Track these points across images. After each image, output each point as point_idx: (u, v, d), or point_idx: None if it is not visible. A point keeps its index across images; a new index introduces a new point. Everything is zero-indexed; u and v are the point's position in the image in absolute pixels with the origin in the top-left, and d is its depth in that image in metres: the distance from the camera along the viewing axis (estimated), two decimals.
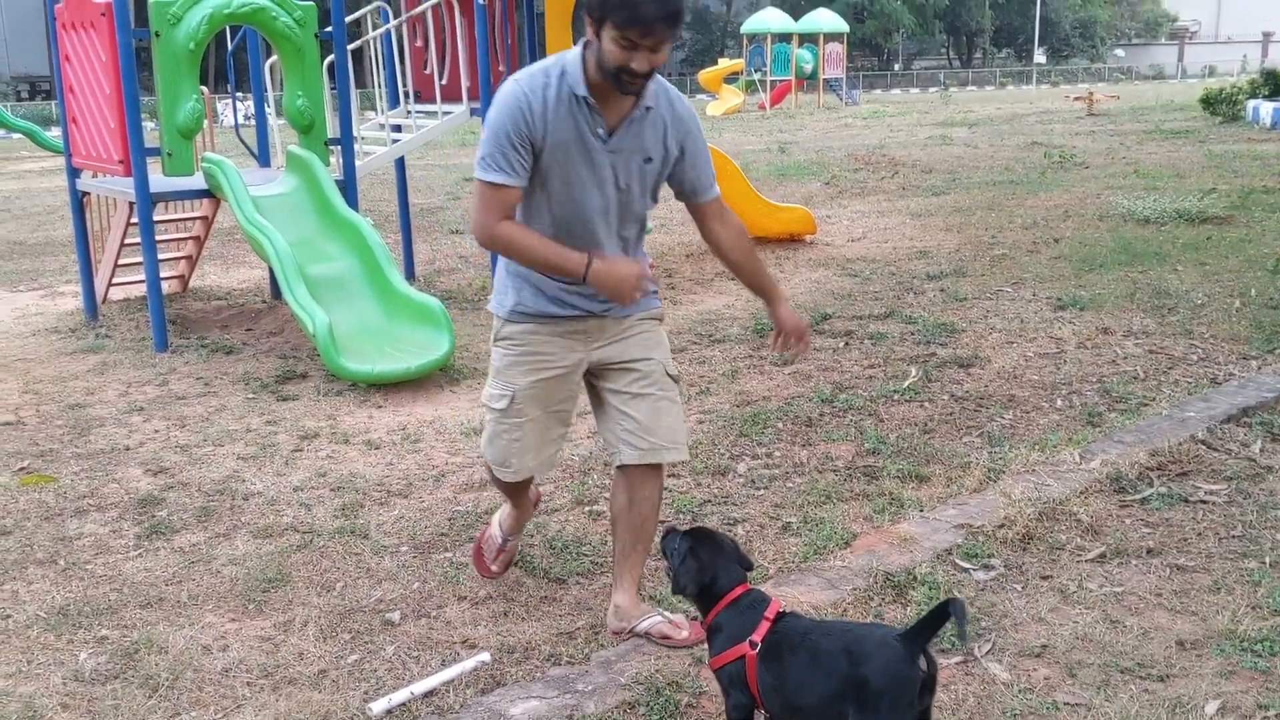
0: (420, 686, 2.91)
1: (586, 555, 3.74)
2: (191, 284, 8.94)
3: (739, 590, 2.60)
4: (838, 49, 40.32)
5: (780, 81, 38.60)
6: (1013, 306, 7.06)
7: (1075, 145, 18.27)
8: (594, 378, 3.09)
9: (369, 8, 8.84)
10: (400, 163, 9.42)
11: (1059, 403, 5.13)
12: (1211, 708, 2.71)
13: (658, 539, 2.90)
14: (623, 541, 3.14)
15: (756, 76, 39.32)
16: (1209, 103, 23.52)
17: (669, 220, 11.86)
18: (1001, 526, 3.70)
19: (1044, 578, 3.44)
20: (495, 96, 2.74)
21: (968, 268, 8.41)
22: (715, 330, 6.82)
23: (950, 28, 73.87)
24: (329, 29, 7.61)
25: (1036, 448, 4.48)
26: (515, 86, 2.72)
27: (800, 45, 38.67)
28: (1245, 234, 9.15)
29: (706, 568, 2.62)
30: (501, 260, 2.96)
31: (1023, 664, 2.96)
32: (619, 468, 3.08)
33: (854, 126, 26.99)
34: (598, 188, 2.82)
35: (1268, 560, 3.47)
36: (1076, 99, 31.22)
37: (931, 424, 4.91)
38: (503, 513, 3.50)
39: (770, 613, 2.51)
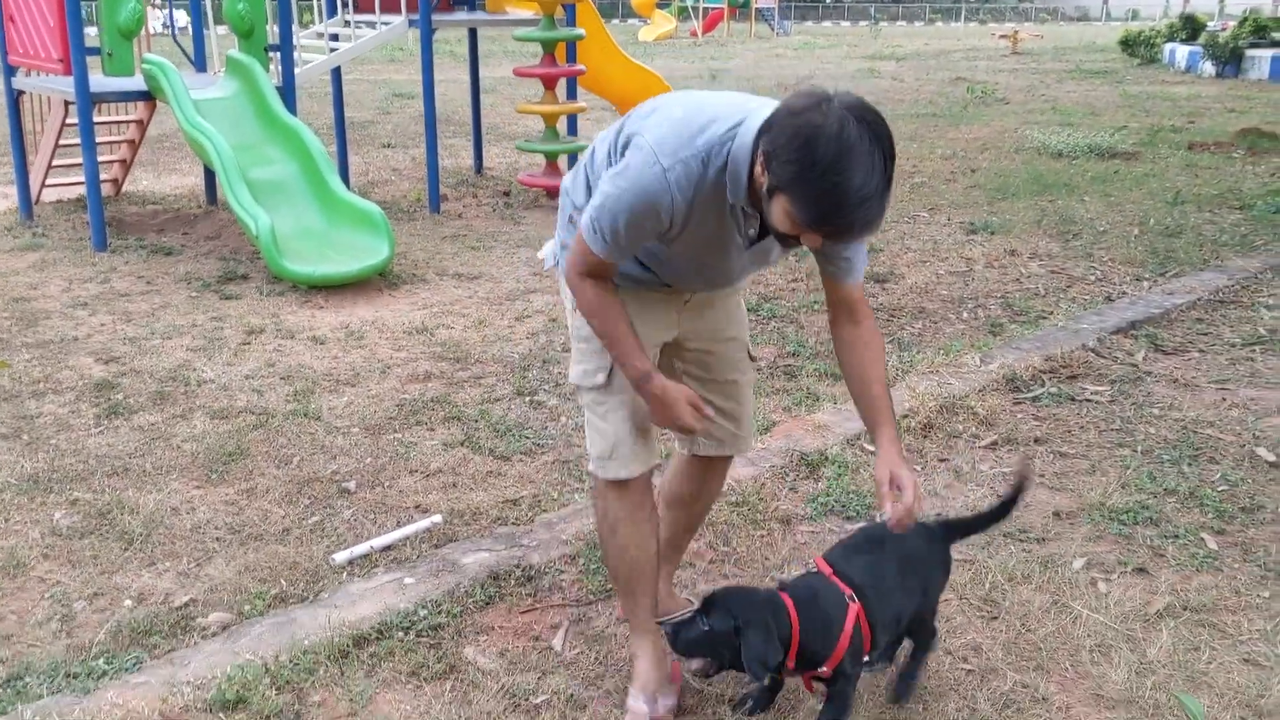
0: (379, 541, 3.20)
1: (529, 437, 4.03)
2: (125, 189, 8.95)
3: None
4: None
5: (713, 9, 38.53)
6: (928, 230, 7.44)
7: (998, 82, 18.72)
8: (671, 353, 2.59)
9: None
10: (337, 74, 9.47)
11: (965, 315, 5.53)
12: (1079, 563, 3.11)
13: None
14: (673, 530, 2.78)
15: (689, 3, 39.19)
16: (1128, 44, 24.13)
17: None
18: (906, 416, 4.07)
19: (941, 460, 3.82)
20: (633, 174, 2.09)
21: None
22: None
23: None
24: None
25: (942, 352, 4.86)
26: (662, 176, 2.07)
27: None
28: (1150, 169, 9.62)
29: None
30: (573, 202, 2.45)
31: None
32: (690, 457, 2.70)
33: (785, 57, 27.17)
34: (728, 263, 2.35)
35: (1139, 449, 3.88)
36: (1002, 37, 31.72)
37: None
38: (636, 671, 2.52)
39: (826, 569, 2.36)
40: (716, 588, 2.41)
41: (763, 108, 2.08)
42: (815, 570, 2.37)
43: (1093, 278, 6.16)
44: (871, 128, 1.89)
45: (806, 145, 1.88)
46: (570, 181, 2.45)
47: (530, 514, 3.42)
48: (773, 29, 39.89)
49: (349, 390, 4.53)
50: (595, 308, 2.29)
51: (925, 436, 3.99)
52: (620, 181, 2.11)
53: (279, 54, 7.70)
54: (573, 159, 9.19)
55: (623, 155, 2.16)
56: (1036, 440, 3.99)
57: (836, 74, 21.18)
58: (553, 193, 8.61)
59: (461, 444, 3.96)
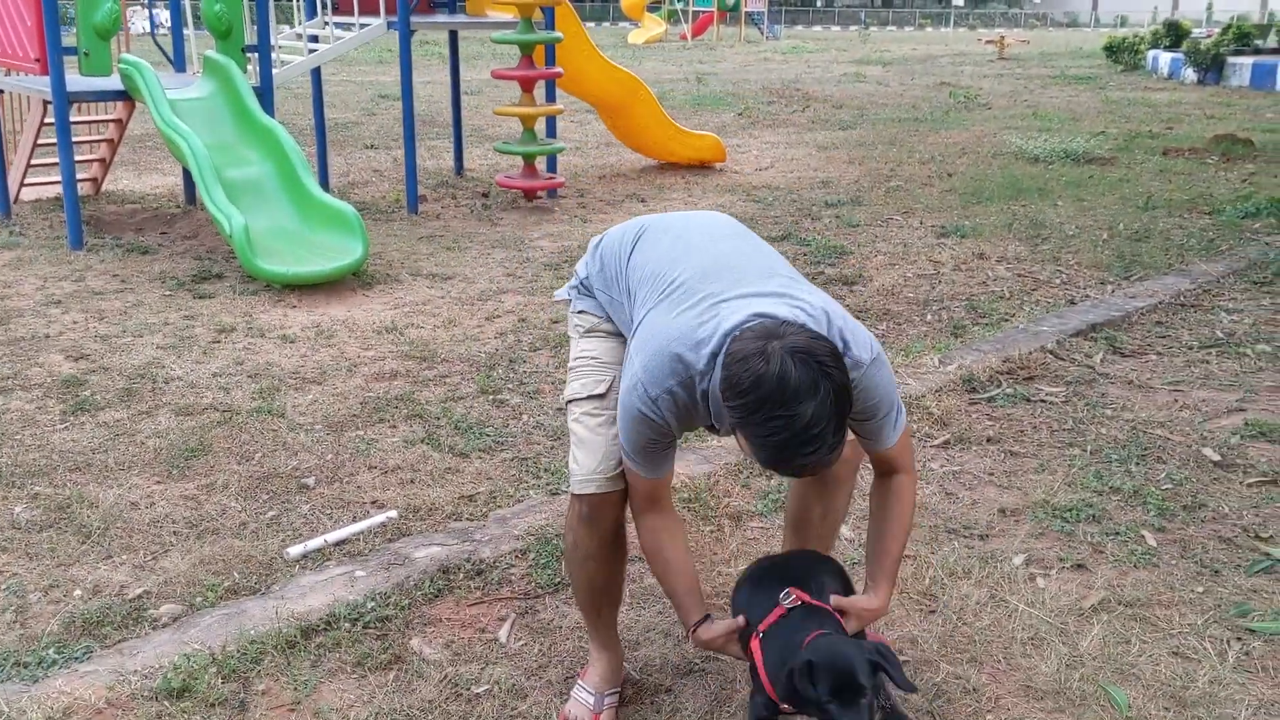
0: (334, 536, 3.25)
1: (489, 435, 4.08)
2: (104, 188, 8.99)
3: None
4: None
5: (703, 12, 38.64)
6: (900, 233, 7.51)
7: (981, 87, 18.84)
8: None
9: None
10: (316, 74, 9.51)
11: (929, 316, 5.59)
12: (1019, 560, 3.18)
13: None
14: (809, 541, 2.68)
15: (679, 6, 39.30)
16: (1112, 51, 24.29)
17: (584, 144, 12.11)
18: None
19: None
20: (628, 402, 2.17)
21: (864, 197, 8.84)
22: None
23: None
24: None
25: (903, 353, 4.93)
26: (652, 409, 2.13)
27: None
28: (1124, 174, 9.71)
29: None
30: (586, 264, 2.54)
31: (864, 526, 3.38)
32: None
33: (772, 60, 27.28)
34: None
35: (1089, 449, 3.95)
36: (988, 42, 31.88)
37: None
38: (589, 670, 2.58)
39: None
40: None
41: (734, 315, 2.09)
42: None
43: (1058, 281, 6.23)
44: (820, 367, 1.90)
45: (749, 391, 1.90)
46: (596, 243, 2.56)
47: (485, 510, 3.47)
48: (762, 33, 40.02)
49: (315, 388, 4.58)
50: (652, 552, 2.33)
51: None
52: (624, 411, 2.20)
53: (257, 55, 7.74)
54: (551, 161, 9.25)
55: (624, 380, 2.22)
56: (989, 440, 4.05)
57: (823, 77, 21.28)
58: (529, 194, 8.67)
59: (422, 441, 4.01)
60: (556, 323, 5.49)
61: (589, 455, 2.38)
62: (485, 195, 9.07)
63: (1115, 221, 7.71)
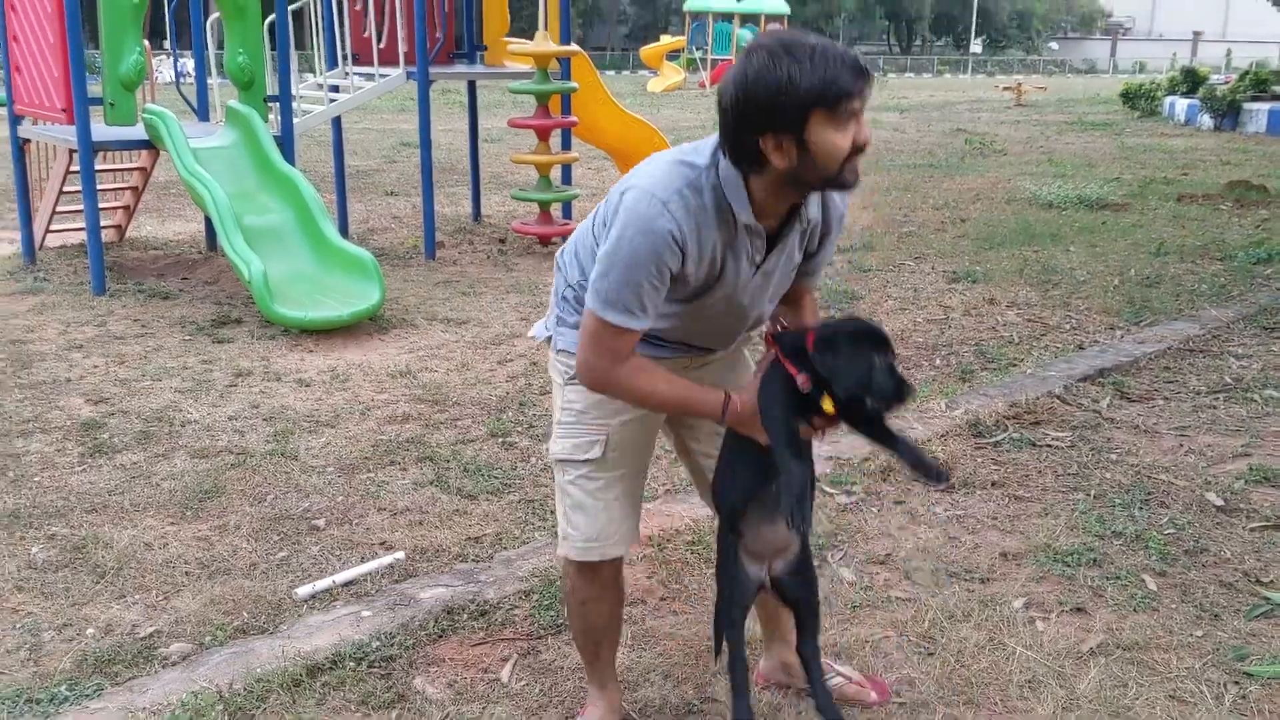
0: (342, 576, 3.30)
1: (497, 477, 4.14)
2: (128, 235, 9.16)
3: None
4: (778, 30, 40.75)
5: (721, 60, 38.98)
6: (911, 278, 7.57)
7: (998, 133, 18.95)
8: (685, 433, 2.56)
9: None
10: (337, 123, 9.69)
11: (938, 361, 5.63)
12: (1019, 603, 3.20)
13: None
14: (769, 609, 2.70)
15: (698, 54, 39.69)
16: (1129, 97, 24.39)
17: (600, 191, 12.25)
18: (866, 460, 4.17)
19: (898, 503, 3.91)
20: (631, 217, 2.03)
21: (877, 243, 8.91)
22: None
23: (891, 14, 74.78)
24: None
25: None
26: (663, 214, 2.02)
27: (742, 25, 39.06)
28: (1138, 220, 9.76)
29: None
30: (565, 279, 2.36)
31: (868, 568, 3.43)
32: None
33: None
34: (733, 309, 2.25)
35: (1093, 494, 3.97)
36: (1005, 89, 32.05)
37: None
38: (588, 709, 2.61)
39: None
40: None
41: None
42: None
43: (1068, 326, 6.26)
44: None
45: (789, 61, 1.91)
46: (563, 257, 2.37)
47: (491, 551, 3.52)
48: None
49: (328, 431, 4.65)
50: (641, 390, 2.18)
51: (884, 479, 4.08)
52: (624, 230, 2.03)
53: (278, 104, 7.90)
54: (566, 208, 9.37)
55: (617, 215, 2.08)
56: (993, 484, 4.08)
57: None
58: (545, 240, 8.78)
59: (431, 483, 4.07)
60: None
61: (589, 521, 2.35)
62: (502, 241, 9.18)
63: (1127, 267, 7.75)
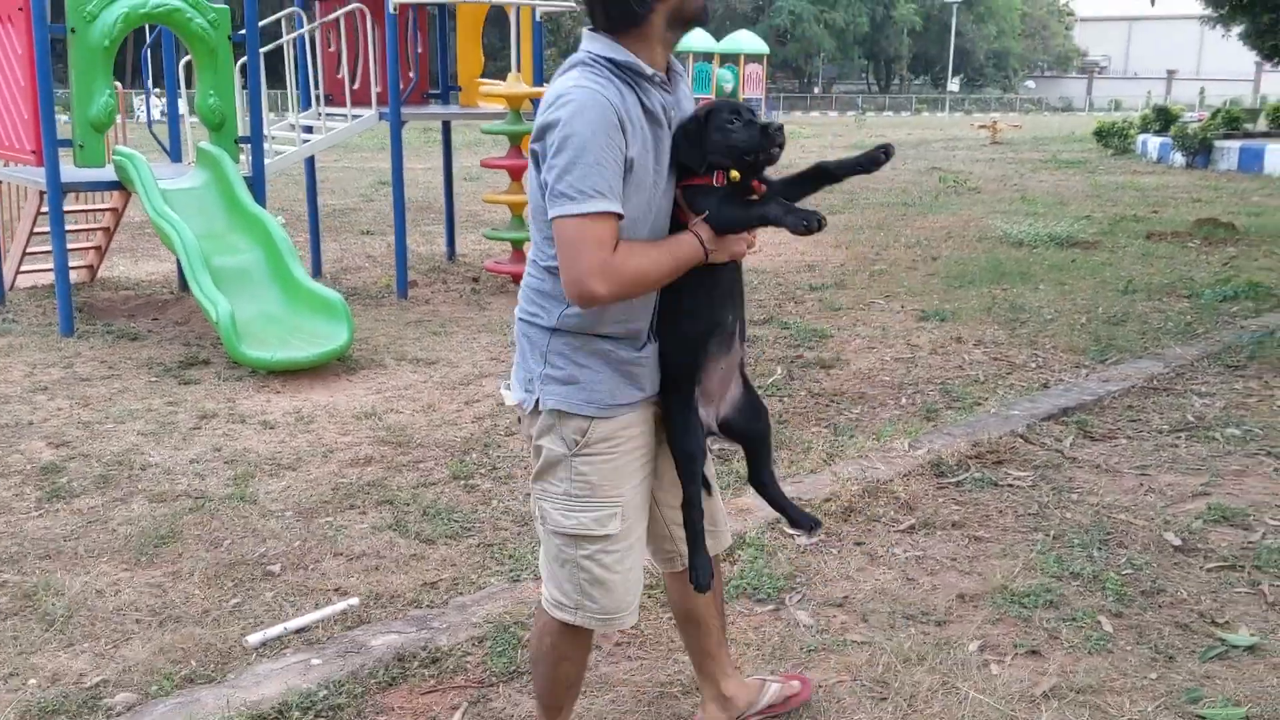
0: (293, 624, 3.27)
1: (457, 521, 4.12)
2: (100, 274, 9.13)
3: None
4: (758, 70, 41.15)
5: (700, 99, 39.23)
6: (881, 317, 7.60)
7: (972, 171, 19.12)
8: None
9: (284, 12, 9.14)
10: (310, 163, 9.70)
11: (903, 400, 5.65)
12: (974, 646, 3.19)
13: None
14: (712, 636, 2.67)
15: None
16: (1102, 135, 24.66)
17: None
18: (828, 500, 4.17)
19: (858, 544, 3.91)
20: (569, 112, 2.06)
21: (848, 281, 8.96)
22: None
23: (870, 54, 75.59)
24: (244, 31, 7.90)
25: (873, 437, 4.97)
26: (591, 94, 2.08)
27: (721, 65, 39.42)
28: (1107, 258, 9.84)
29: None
30: (556, 336, 2.24)
31: (825, 611, 3.42)
32: (680, 571, 2.54)
33: None
34: (664, 194, 2.25)
35: (1052, 534, 3.98)
36: (981, 127, 32.38)
37: (786, 415, 5.38)
38: None
39: None
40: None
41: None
42: None
43: (1033, 365, 6.30)
44: None
45: None
46: (524, 293, 2.32)
47: (446, 597, 3.50)
48: None
49: (289, 474, 4.63)
50: (644, 267, 2.13)
51: (845, 520, 4.08)
52: (568, 125, 2.05)
53: (249, 145, 7.91)
54: None
55: (549, 141, 2.09)
56: (954, 524, 4.08)
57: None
58: (518, 279, 8.78)
59: (390, 527, 4.05)
60: None
61: (610, 596, 2.30)
62: (476, 280, 9.20)
63: (1094, 305, 7.80)
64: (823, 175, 2.34)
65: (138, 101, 28.02)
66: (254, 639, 3.19)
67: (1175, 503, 4.25)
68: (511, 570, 3.68)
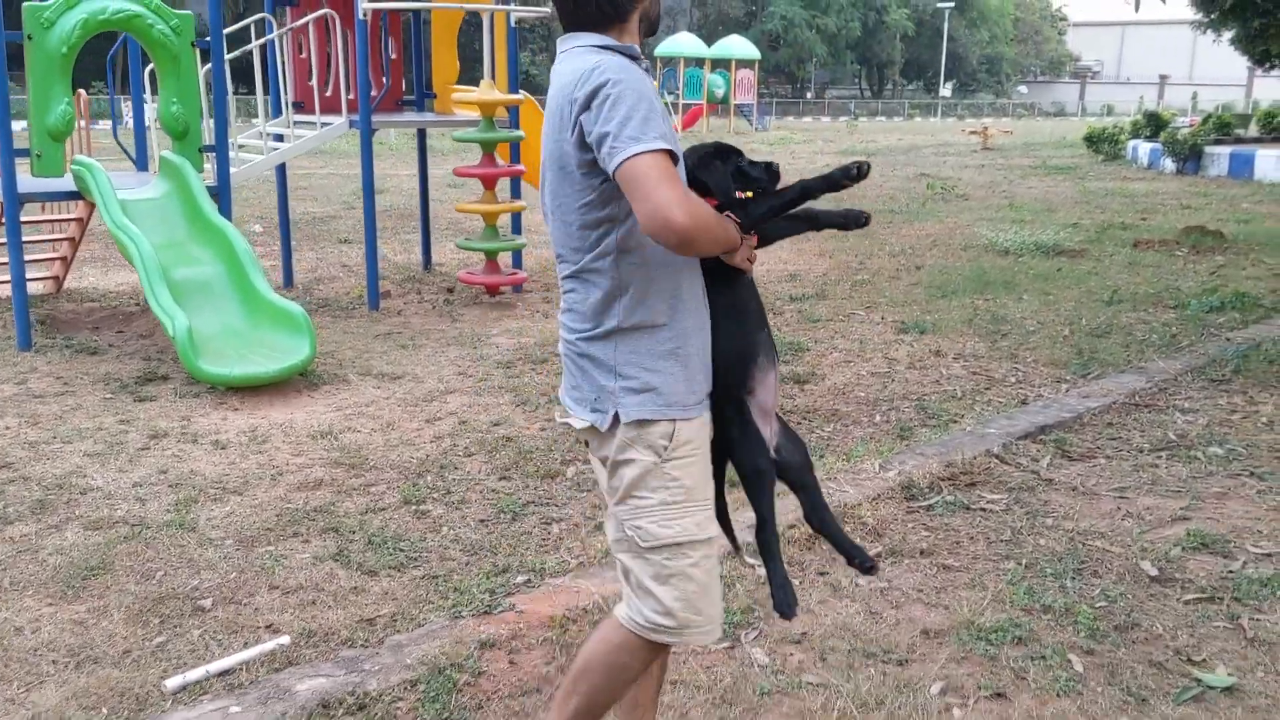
0: (216, 666, 3.09)
1: (403, 550, 3.94)
2: (68, 285, 8.95)
3: None
4: (749, 75, 41.07)
5: (693, 105, 39.17)
6: (860, 329, 7.43)
7: (961, 178, 18.97)
8: None
9: (253, 19, 8.96)
10: (281, 171, 9.52)
11: (877, 418, 5.48)
12: (936, 688, 3.02)
13: None
14: (652, 684, 2.55)
15: (669, 99, 39.81)
16: (1092, 141, 24.53)
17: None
18: (792, 527, 3.99)
19: (821, 574, 3.73)
20: (615, 75, 2.08)
21: (830, 291, 8.79)
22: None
23: (862, 59, 75.48)
24: (209, 38, 7.72)
25: (844, 458, 4.80)
26: (622, 60, 2.15)
27: (713, 70, 39.31)
28: (1093, 266, 9.68)
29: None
30: (621, 344, 2.20)
31: (782, 649, 3.25)
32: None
33: (759, 152, 27.54)
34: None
35: (1024, 562, 3.81)
36: (972, 133, 32.23)
37: None
38: None
39: None
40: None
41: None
42: None
43: (1013, 379, 6.13)
44: None
45: None
46: (568, 324, 2.27)
47: (383, 635, 3.32)
48: (752, 124, 40.53)
49: (234, 499, 4.45)
50: (705, 217, 2.09)
51: (809, 549, 3.91)
52: (619, 83, 2.07)
53: (214, 153, 7.73)
54: (516, 256, 9.21)
55: (601, 100, 2.07)
56: (922, 552, 3.91)
57: (805, 168, 21.42)
58: (492, 290, 8.62)
59: (332, 558, 3.87)
60: (497, 425, 5.37)
61: (715, 605, 2.26)
62: (450, 290, 9.02)
63: (1078, 316, 7.64)
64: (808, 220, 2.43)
65: (127, 104, 27.77)
66: (172, 683, 3.00)
67: (1154, 528, 4.08)
68: (454, 605, 3.49)
